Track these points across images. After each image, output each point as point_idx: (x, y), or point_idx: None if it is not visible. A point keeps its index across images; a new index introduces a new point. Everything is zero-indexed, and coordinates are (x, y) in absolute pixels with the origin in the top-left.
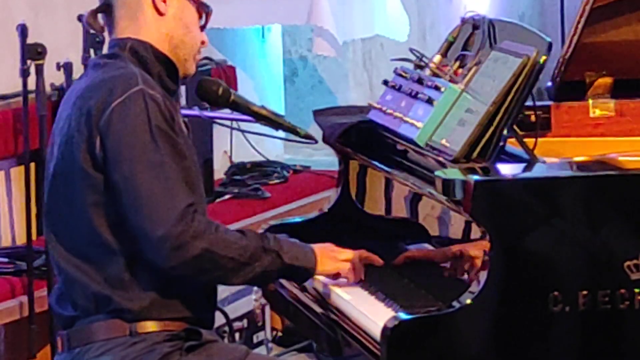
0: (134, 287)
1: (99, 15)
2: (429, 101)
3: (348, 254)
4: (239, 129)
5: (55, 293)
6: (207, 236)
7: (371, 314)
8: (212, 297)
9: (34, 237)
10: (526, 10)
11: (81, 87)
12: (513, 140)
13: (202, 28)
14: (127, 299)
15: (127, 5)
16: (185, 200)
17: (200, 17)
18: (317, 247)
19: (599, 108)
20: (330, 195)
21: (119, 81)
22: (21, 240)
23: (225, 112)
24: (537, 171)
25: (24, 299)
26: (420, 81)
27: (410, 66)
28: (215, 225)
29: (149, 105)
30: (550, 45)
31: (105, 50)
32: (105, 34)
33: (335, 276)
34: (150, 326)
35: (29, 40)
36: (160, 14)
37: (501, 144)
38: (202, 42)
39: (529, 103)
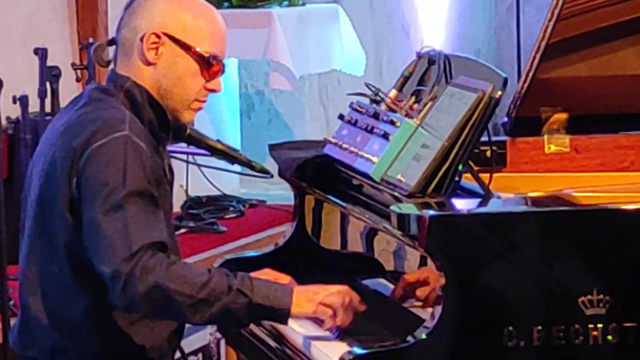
0: (93, 334)
1: (108, 49)
2: (385, 136)
3: (331, 297)
4: (195, 163)
5: (16, 330)
6: (156, 271)
7: (326, 348)
8: (174, 342)
9: None
10: (482, 46)
11: (69, 118)
12: (468, 175)
13: (211, 76)
14: (86, 346)
15: (124, 46)
16: (140, 241)
17: (202, 67)
18: (299, 288)
19: (554, 144)
20: (286, 230)
21: (106, 124)
22: None
23: (182, 146)
24: (492, 206)
25: None
26: (376, 116)
27: (366, 101)
28: (170, 261)
29: (128, 151)
30: (505, 81)
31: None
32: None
33: (319, 319)
34: None
35: None
36: (148, 63)
37: (456, 179)
38: (211, 90)
39: (484, 138)
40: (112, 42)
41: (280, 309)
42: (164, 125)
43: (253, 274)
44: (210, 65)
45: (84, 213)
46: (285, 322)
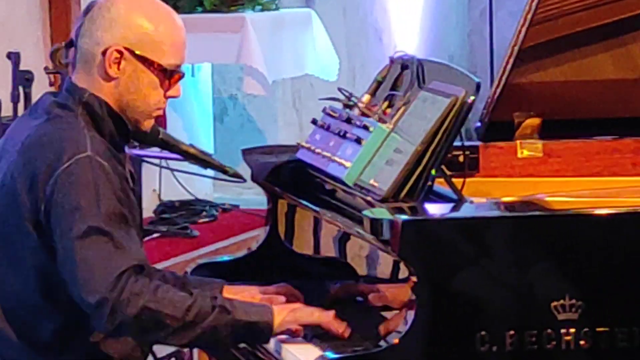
0: (64, 352)
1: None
2: (358, 141)
3: (310, 316)
4: (168, 168)
5: None
6: (145, 295)
7: (299, 353)
8: (145, 349)
9: None
10: (455, 51)
11: (30, 134)
12: (441, 180)
13: (171, 85)
14: None
15: (83, 56)
16: (121, 265)
17: (162, 80)
18: (278, 306)
19: (527, 149)
20: (258, 234)
21: (66, 145)
22: None
23: (154, 151)
24: (465, 211)
25: None
26: (349, 121)
27: (339, 106)
28: (155, 285)
29: (96, 173)
30: (478, 86)
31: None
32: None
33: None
34: None
35: None
36: (110, 78)
37: (429, 183)
38: (171, 96)
39: (457, 143)
40: (70, 44)
41: (263, 322)
42: (124, 134)
43: (247, 288)
44: (172, 76)
45: (58, 241)
46: (267, 339)
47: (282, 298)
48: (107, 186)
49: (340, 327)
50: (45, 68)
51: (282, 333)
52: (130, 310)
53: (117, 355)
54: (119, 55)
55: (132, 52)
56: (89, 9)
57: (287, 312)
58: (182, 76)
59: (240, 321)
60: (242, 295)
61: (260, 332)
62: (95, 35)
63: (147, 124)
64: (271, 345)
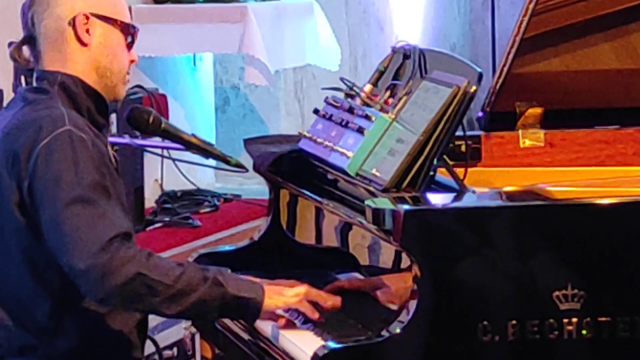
0: (59, 333)
1: (24, 48)
2: (360, 130)
3: (297, 290)
4: (169, 158)
5: None
6: (137, 261)
7: (300, 342)
8: (142, 335)
9: None
10: (457, 41)
11: (8, 122)
12: (443, 170)
13: (130, 46)
14: (54, 345)
15: (50, 38)
16: (109, 232)
17: (126, 37)
18: (266, 283)
19: (529, 138)
20: (260, 224)
21: (45, 122)
22: None
23: (156, 141)
24: (467, 201)
25: None
26: (351, 110)
27: (341, 95)
28: (147, 252)
29: (75, 145)
30: (480, 76)
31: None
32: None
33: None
34: None
35: None
36: (84, 44)
37: (431, 173)
38: (132, 61)
39: (459, 133)
40: (27, 39)
41: (252, 299)
42: (102, 111)
43: (264, 281)
44: (132, 33)
45: (42, 214)
46: (255, 318)
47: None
48: (87, 158)
49: (314, 314)
50: None
51: (272, 311)
52: (122, 276)
53: (114, 338)
54: (86, 20)
55: (95, 15)
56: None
57: (276, 291)
58: (137, 36)
59: (231, 295)
60: None
61: (249, 308)
62: (55, 13)
63: (122, 91)
64: (274, 335)
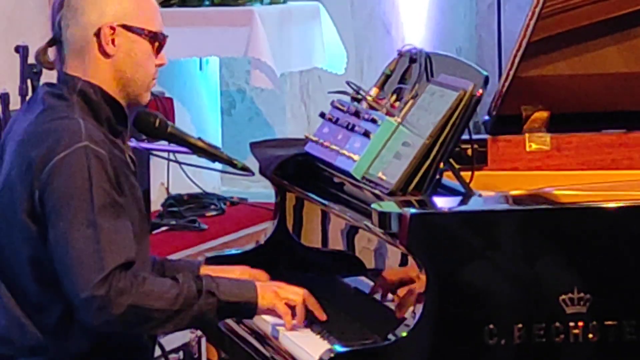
0: (70, 337)
1: (49, 50)
2: (366, 134)
3: (291, 295)
4: (176, 161)
5: None
6: (131, 292)
7: (307, 346)
8: (152, 338)
9: None
10: (463, 44)
11: (26, 128)
12: (450, 173)
13: (158, 52)
14: (64, 348)
15: (74, 45)
16: (112, 262)
17: (153, 45)
18: (261, 283)
19: (535, 142)
20: (267, 228)
21: (63, 135)
22: None
23: (163, 144)
24: (473, 204)
25: None
26: (357, 114)
27: (347, 99)
28: (140, 280)
29: (91, 163)
30: (487, 79)
31: (46, 77)
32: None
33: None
34: None
35: None
36: (108, 56)
37: (437, 177)
38: (161, 65)
39: (465, 136)
40: (53, 42)
41: (247, 302)
42: (122, 119)
43: (227, 269)
44: (160, 41)
45: (50, 228)
46: (252, 316)
47: (266, 275)
48: (101, 175)
49: (300, 318)
50: None
51: (267, 310)
52: (116, 309)
53: (124, 339)
54: (112, 32)
55: (123, 26)
56: (62, 1)
57: (269, 291)
58: (166, 40)
59: (225, 302)
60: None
61: (245, 310)
62: (81, 22)
63: (146, 98)
64: (281, 339)
